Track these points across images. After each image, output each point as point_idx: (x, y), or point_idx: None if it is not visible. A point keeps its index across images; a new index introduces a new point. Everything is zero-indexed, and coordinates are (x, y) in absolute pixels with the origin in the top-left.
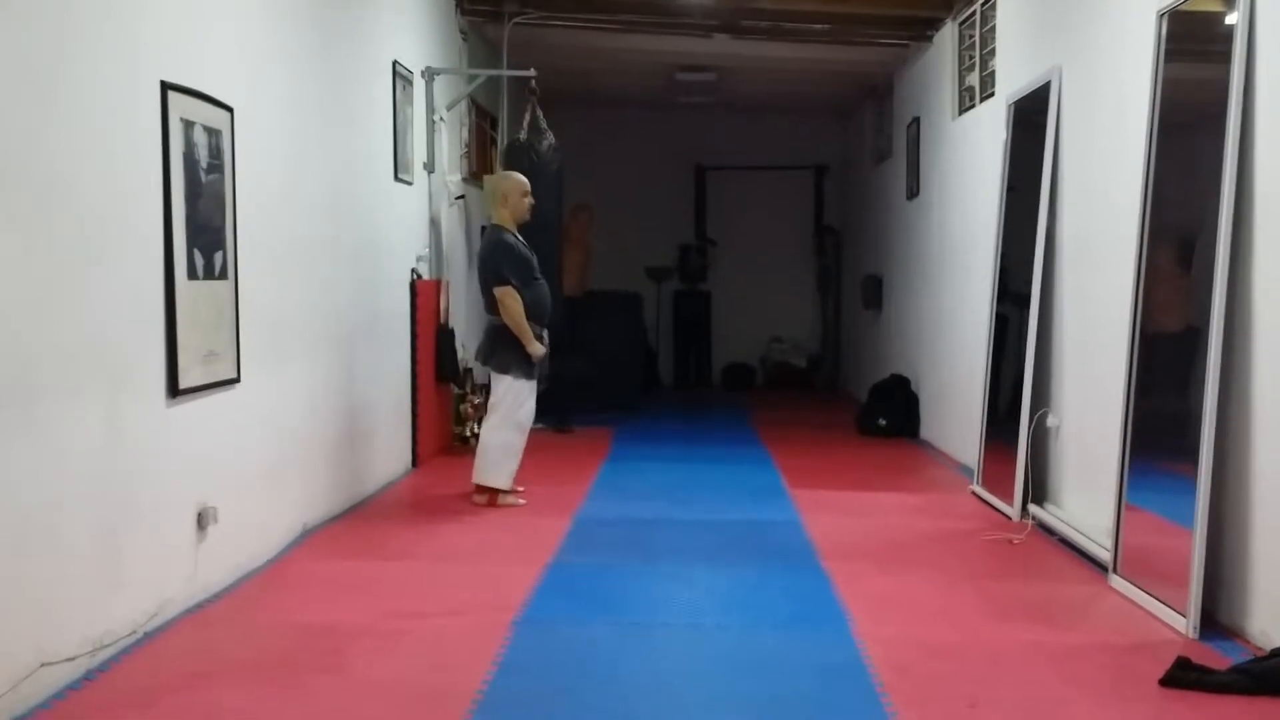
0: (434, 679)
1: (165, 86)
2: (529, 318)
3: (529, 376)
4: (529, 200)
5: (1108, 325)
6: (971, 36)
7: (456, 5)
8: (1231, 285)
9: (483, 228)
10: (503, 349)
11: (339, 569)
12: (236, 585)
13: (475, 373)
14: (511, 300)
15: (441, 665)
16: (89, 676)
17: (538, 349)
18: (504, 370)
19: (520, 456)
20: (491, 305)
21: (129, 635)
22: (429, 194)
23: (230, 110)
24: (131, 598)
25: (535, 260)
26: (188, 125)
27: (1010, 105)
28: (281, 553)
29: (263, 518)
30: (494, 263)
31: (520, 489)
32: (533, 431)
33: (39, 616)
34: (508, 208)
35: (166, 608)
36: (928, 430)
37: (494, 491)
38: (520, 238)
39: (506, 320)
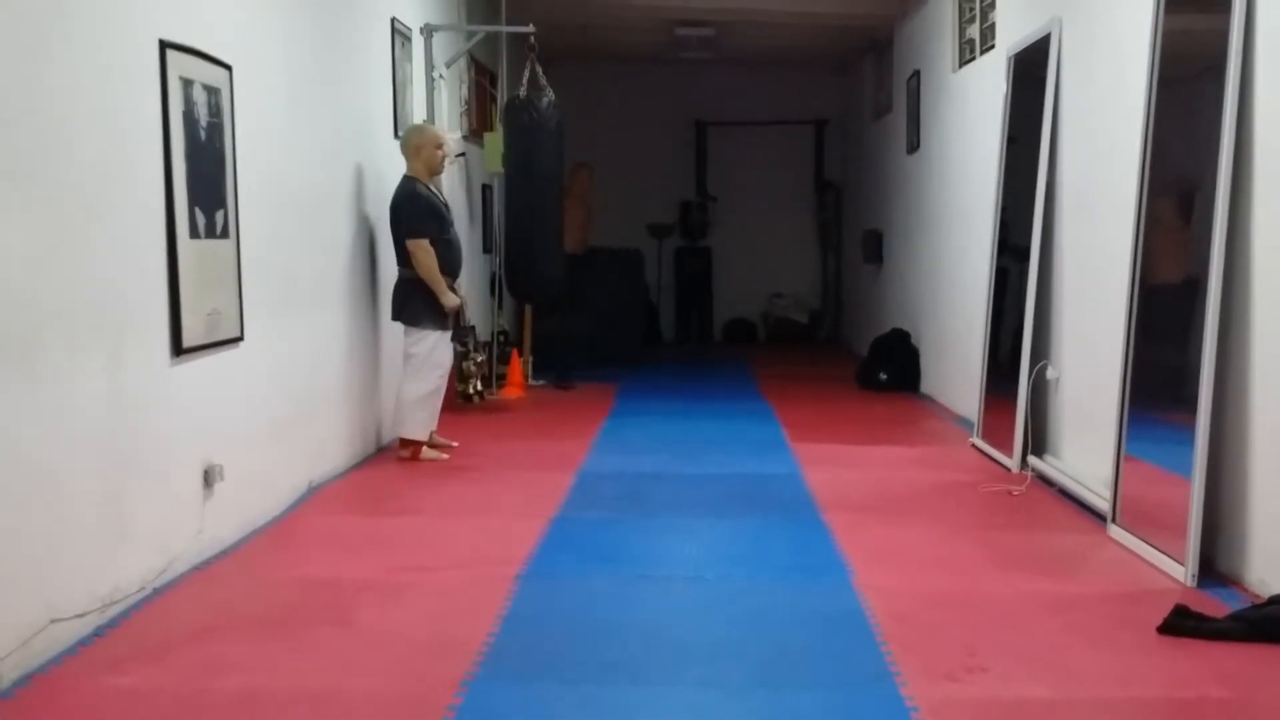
0: (440, 631)
1: (164, 45)
2: (443, 271)
3: (441, 327)
4: (441, 153)
5: (1108, 277)
6: None
7: None
8: (1231, 236)
9: (504, 187)
10: (414, 301)
11: (345, 524)
12: (244, 541)
13: (478, 330)
14: (423, 253)
15: (447, 618)
16: (99, 632)
17: (451, 299)
18: (415, 322)
19: (437, 408)
20: (403, 257)
21: (138, 591)
22: None
23: (229, 68)
24: (140, 554)
25: (449, 212)
26: (186, 84)
27: (1011, 58)
28: (288, 509)
29: (269, 474)
30: (405, 215)
31: (451, 443)
32: (536, 388)
33: (48, 573)
34: (420, 160)
35: (174, 564)
36: (928, 384)
37: (416, 444)
38: (434, 190)
39: (420, 273)
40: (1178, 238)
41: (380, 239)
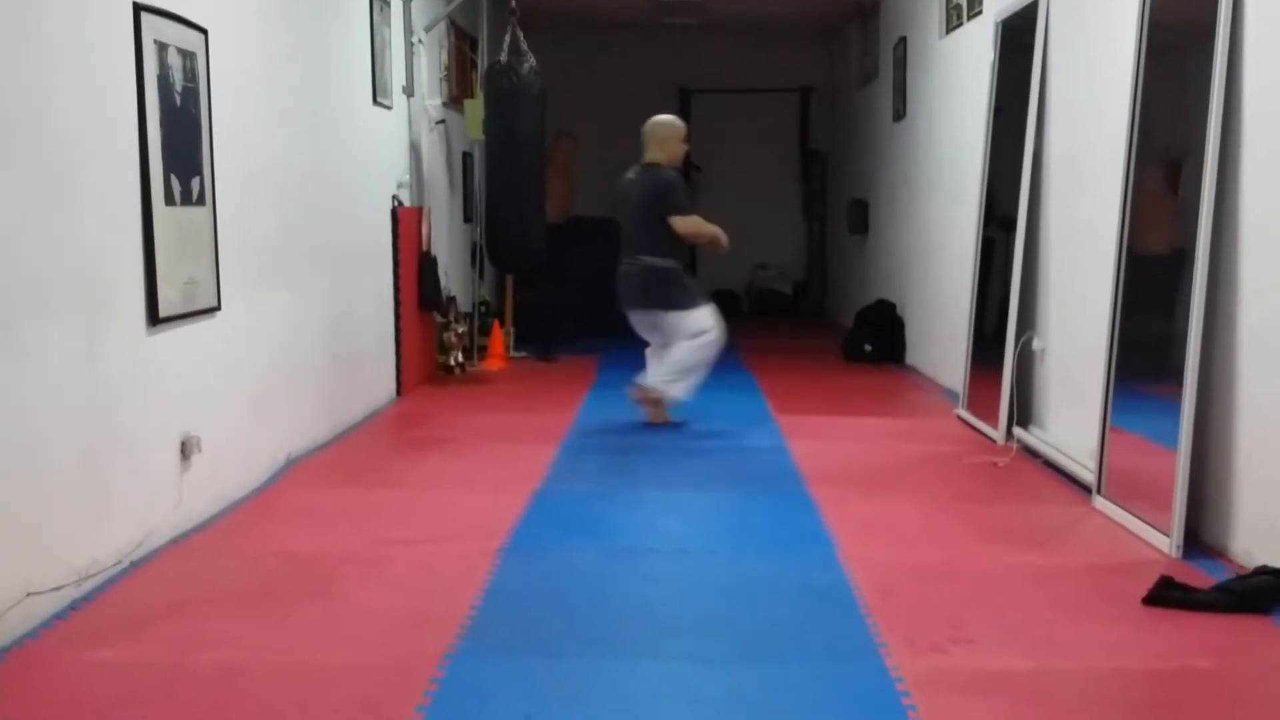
0: (422, 605)
1: (138, 7)
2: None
3: (705, 302)
4: (685, 147)
5: (1095, 247)
6: None
7: None
8: (1219, 206)
9: (485, 155)
10: (674, 286)
11: (325, 497)
12: (222, 514)
13: (459, 301)
14: (690, 223)
15: (429, 591)
16: (75, 606)
17: (722, 236)
18: (687, 304)
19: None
20: (653, 246)
21: (115, 564)
22: (408, 118)
23: (204, 32)
24: (117, 527)
25: None
26: (161, 48)
27: (998, 24)
28: (267, 482)
29: (247, 447)
30: (674, 196)
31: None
32: (517, 360)
33: (24, 547)
34: (665, 152)
35: (152, 537)
36: (913, 356)
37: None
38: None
39: (695, 236)
40: (1165, 208)
41: (359, 207)
